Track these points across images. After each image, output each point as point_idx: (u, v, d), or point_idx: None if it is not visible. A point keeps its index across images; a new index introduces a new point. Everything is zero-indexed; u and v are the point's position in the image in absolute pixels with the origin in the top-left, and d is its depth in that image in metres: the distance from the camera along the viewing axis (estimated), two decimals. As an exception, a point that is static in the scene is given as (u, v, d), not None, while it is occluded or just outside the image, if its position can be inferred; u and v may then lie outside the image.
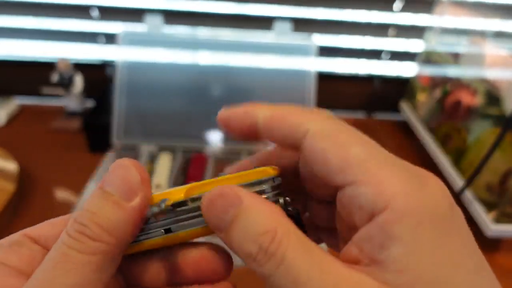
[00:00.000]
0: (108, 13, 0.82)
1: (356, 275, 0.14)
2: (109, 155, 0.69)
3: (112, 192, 0.16)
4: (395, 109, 0.92)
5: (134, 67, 0.71)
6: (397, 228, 0.13)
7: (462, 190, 0.62)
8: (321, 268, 0.14)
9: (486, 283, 0.14)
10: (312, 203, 0.22)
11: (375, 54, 0.90)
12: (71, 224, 0.16)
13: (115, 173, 0.17)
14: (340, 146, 0.16)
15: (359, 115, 0.96)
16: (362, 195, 0.15)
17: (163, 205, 0.17)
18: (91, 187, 0.61)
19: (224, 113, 0.20)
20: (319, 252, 0.14)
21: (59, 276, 0.15)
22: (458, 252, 0.14)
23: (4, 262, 0.17)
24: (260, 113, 0.19)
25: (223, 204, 0.16)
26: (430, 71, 0.81)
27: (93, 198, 0.17)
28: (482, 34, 0.70)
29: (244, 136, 0.20)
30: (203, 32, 0.74)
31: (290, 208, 0.18)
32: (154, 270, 0.19)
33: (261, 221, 0.15)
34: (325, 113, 0.18)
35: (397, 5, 0.83)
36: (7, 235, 0.18)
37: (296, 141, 0.17)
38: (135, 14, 0.80)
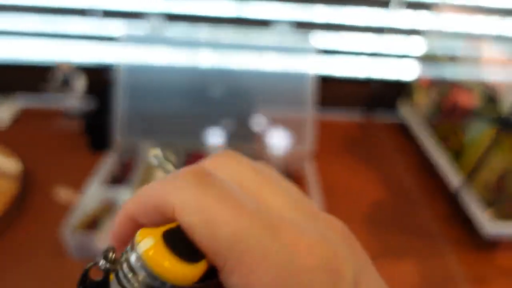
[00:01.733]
0: (109, 14, 0.82)
1: None
2: (110, 155, 0.69)
3: None
4: (394, 110, 0.92)
5: (135, 68, 0.71)
6: None
7: (460, 190, 0.62)
8: None
9: None
10: None
11: (374, 55, 0.91)
12: None
13: None
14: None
15: (358, 116, 0.96)
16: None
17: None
18: (92, 187, 0.61)
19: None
20: None
21: None
22: None
23: None
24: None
25: None
26: (429, 72, 0.82)
27: None
28: (480, 36, 0.71)
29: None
30: (204, 34, 0.74)
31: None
32: None
33: None
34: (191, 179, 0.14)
35: (397, 6, 0.84)
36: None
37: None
38: (136, 16, 0.81)
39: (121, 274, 0.13)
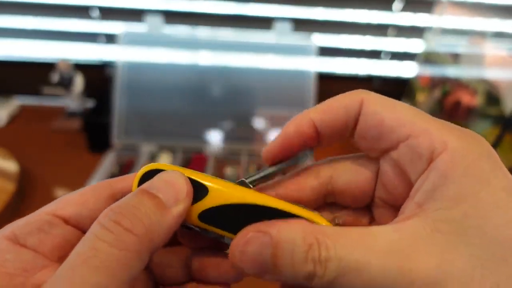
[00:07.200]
0: (108, 13, 0.82)
1: (402, 227, 0.15)
2: (109, 154, 0.69)
3: (156, 194, 0.16)
4: (395, 109, 0.92)
5: (134, 67, 0.71)
6: (451, 167, 0.15)
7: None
8: (373, 247, 0.15)
9: None
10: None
11: (375, 54, 0.90)
12: (105, 214, 0.15)
13: (162, 177, 0.17)
14: (391, 109, 0.17)
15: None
16: (420, 144, 0.16)
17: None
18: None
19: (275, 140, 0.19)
20: (358, 231, 0.15)
21: (86, 275, 0.14)
22: (502, 187, 0.15)
23: (36, 249, 0.16)
24: (311, 114, 0.19)
25: (255, 250, 0.15)
26: (430, 71, 0.81)
27: (133, 195, 0.16)
28: (481, 34, 0.70)
29: (305, 140, 0.19)
30: (203, 32, 0.74)
31: None
32: (178, 268, 0.20)
33: (299, 240, 0.15)
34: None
35: (397, 5, 0.83)
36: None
37: (353, 113, 0.18)
38: (135, 14, 0.80)
39: None
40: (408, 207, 0.16)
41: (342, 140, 0.19)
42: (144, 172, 0.19)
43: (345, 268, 0.14)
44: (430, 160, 0.16)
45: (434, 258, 0.14)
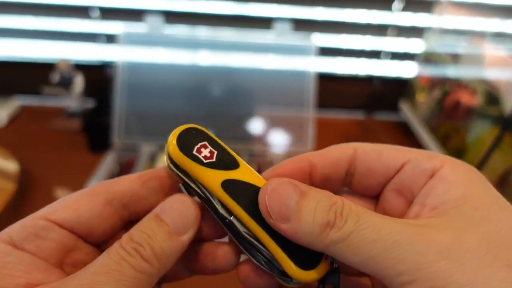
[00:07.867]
0: (108, 13, 0.82)
1: (421, 220, 0.17)
2: (109, 154, 0.69)
3: (167, 222, 0.18)
4: (395, 109, 0.92)
5: (134, 67, 0.71)
6: (454, 176, 0.18)
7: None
8: (391, 218, 0.17)
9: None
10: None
11: (375, 54, 0.90)
12: (126, 241, 0.17)
13: (173, 205, 0.19)
14: (385, 146, 0.21)
15: (359, 115, 0.96)
16: (423, 163, 0.19)
17: None
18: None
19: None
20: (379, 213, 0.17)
21: (110, 282, 0.16)
22: (492, 189, 0.18)
23: (34, 253, 0.17)
24: (310, 155, 0.22)
25: (284, 192, 0.18)
26: (430, 71, 0.81)
27: (148, 221, 0.18)
28: (481, 35, 0.70)
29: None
30: (203, 32, 0.74)
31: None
32: (175, 264, 0.21)
33: (325, 197, 0.18)
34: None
35: (397, 5, 0.83)
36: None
37: (347, 157, 0.21)
38: (135, 15, 0.80)
39: None
40: (421, 212, 0.19)
41: (337, 186, 0.22)
42: (180, 132, 0.20)
43: (364, 224, 0.16)
44: (432, 175, 0.19)
45: (451, 233, 0.16)
